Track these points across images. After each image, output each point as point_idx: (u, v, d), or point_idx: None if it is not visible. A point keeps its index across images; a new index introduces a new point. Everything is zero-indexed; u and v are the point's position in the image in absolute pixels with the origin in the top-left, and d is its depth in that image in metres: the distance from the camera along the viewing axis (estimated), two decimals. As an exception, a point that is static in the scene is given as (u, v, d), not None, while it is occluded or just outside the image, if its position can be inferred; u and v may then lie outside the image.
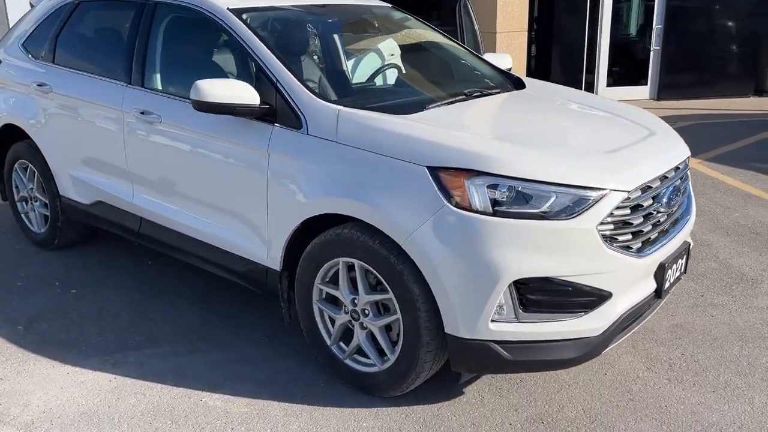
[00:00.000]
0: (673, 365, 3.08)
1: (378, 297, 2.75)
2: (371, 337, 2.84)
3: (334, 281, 2.94)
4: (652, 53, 10.09)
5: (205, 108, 2.93)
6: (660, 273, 2.75)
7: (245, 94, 2.93)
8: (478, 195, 2.44)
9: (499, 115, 3.32)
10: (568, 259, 2.47)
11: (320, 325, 3.00)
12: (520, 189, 2.45)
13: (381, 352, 2.83)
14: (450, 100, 3.22)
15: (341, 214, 2.76)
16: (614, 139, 2.96)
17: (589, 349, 2.57)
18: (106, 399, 2.85)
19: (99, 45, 4.10)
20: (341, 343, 2.98)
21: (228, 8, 3.31)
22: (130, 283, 3.97)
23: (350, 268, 2.81)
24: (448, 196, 2.47)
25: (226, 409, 2.79)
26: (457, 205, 2.46)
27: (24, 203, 4.54)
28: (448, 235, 2.47)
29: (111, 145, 3.69)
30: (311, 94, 2.93)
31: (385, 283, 2.67)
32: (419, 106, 3.03)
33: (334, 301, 3.00)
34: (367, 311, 2.80)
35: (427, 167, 2.53)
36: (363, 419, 2.72)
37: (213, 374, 3.05)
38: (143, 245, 3.83)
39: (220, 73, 3.36)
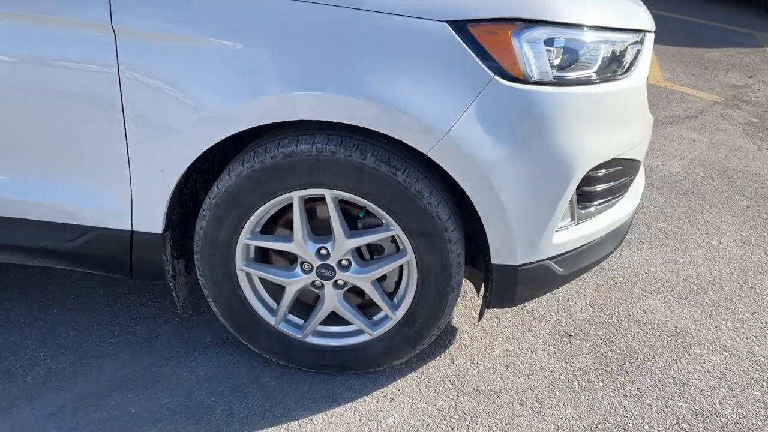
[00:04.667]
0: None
1: (372, 237, 1.79)
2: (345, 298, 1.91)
3: (267, 230, 1.86)
4: None
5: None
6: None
7: None
8: (534, 56, 1.63)
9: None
10: (626, 130, 1.88)
11: (253, 300, 1.92)
12: (578, 41, 1.70)
13: (366, 315, 1.94)
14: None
15: (286, 122, 1.67)
16: None
17: (622, 237, 2.09)
18: None
19: None
20: (291, 316, 1.97)
21: None
22: None
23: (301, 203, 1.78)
24: (494, 65, 1.61)
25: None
26: (508, 77, 1.62)
27: None
28: (502, 122, 1.63)
29: None
30: None
31: (384, 215, 1.73)
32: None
33: (267, 260, 1.94)
34: (346, 262, 1.83)
35: (450, 23, 1.59)
36: (358, 411, 1.86)
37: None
38: None
39: None
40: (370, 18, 1.58)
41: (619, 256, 2.64)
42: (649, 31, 1.93)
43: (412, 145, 1.63)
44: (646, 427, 1.85)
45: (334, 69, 1.59)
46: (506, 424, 1.84)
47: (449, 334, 2.17)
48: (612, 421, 1.86)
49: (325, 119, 1.62)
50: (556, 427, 1.83)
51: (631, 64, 1.83)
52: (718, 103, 4.53)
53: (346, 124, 1.66)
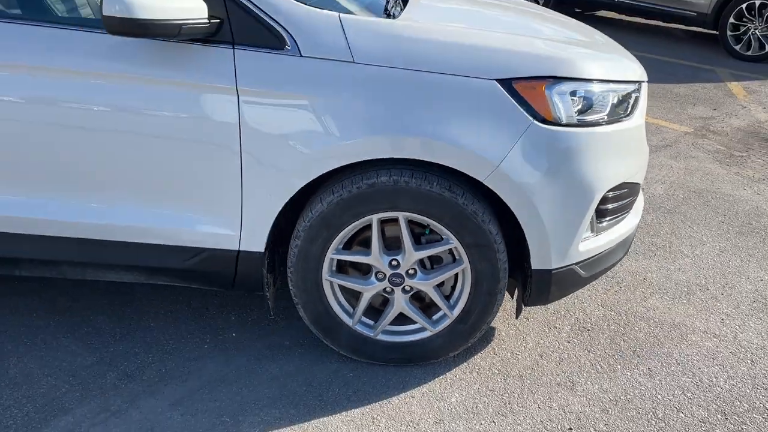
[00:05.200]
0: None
1: (435, 250, 2.23)
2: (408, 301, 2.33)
3: (348, 247, 2.28)
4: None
5: (131, 29, 1.83)
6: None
7: (190, 4, 1.91)
8: (562, 105, 2.11)
9: (472, 13, 2.81)
10: (630, 159, 2.35)
11: (335, 305, 2.33)
12: (593, 92, 2.19)
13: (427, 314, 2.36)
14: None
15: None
16: (587, 37, 2.80)
17: (628, 246, 2.56)
18: None
19: None
20: (363, 318, 2.38)
21: None
22: None
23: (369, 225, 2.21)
24: (532, 112, 2.07)
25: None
26: (543, 121, 2.09)
27: None
28: (540, 156, 2.09)
29: None
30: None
31: (446, 231, 2.17)
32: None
33: (345, 271, 2.35)
34: (413, 271, 2.26)
35: (498, 80, 2.06)
36: (429, 394, 2.27)
37: None
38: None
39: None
40: (437, 78, 2.04)
41: (621, 266, 3.11)
42: (644, 81, 2.43)
43: (471, 175, 2.08)
44: (659, 396, 2.29)
45: (411, 117, 2.04)
46: (548, 399, 2.26)
47: (489, 332, 2.59)
48: (631, 394, 2.30)
49: (402, 156, 2.07)
50: (588, 400, 2.27)
51: (632, 107, 2.32)
52: (688, 134, 5.10)
53: (414, 159, 2.10)
